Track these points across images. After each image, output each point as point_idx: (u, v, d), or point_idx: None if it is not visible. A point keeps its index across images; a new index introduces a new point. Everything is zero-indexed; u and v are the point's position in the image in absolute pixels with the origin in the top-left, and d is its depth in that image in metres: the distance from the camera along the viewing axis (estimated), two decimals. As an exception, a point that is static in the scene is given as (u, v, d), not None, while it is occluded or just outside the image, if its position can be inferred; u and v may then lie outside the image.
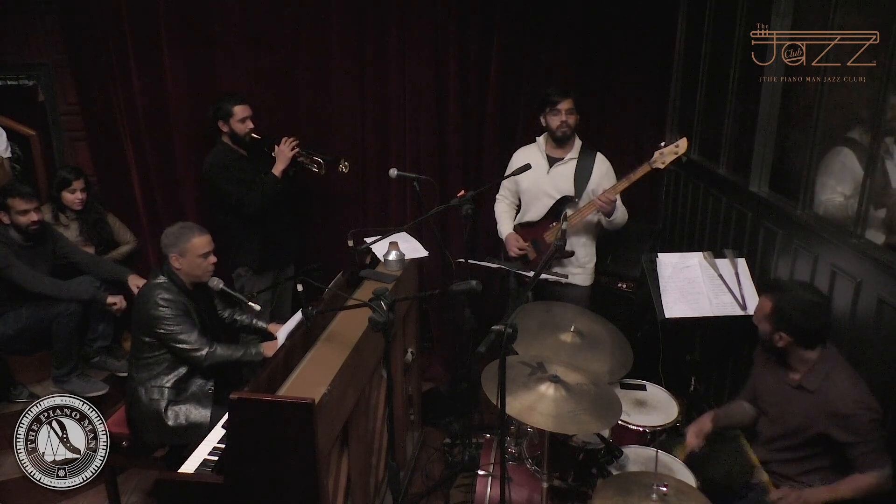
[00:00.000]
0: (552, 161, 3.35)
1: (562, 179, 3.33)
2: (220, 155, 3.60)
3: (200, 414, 2.74)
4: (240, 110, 3.55)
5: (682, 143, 3.05)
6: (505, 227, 3.51)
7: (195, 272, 2.79)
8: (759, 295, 2.40)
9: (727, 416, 2.60)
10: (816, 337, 2.25)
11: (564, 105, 3.24)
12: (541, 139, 3.43)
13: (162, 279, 2.76)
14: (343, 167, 3.61)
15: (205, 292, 2.92)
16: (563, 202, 3.33)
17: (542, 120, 3.35)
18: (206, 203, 3.99)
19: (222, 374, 2.90)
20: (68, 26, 3.91)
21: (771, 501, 2.24)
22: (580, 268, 3.42)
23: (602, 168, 3.34)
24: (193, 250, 2.75)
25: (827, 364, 2.22)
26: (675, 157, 3.06)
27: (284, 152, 3.55)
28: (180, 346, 2.70)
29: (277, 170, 3.55)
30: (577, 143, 3.37)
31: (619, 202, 3.19)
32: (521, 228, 3.48)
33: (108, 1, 3.79)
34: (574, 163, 3.34)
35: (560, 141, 3.32)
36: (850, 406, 2.11)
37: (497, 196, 3.59)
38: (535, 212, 3.42)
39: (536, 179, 3.34)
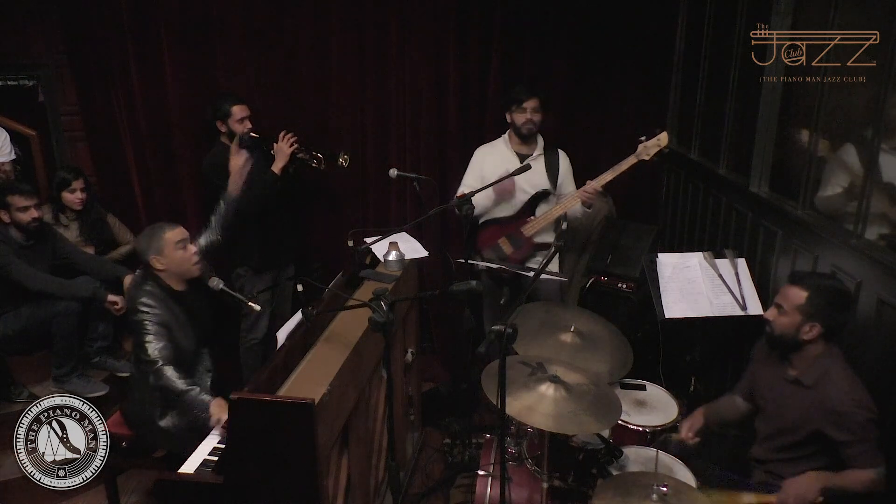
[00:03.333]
0: (522, 157, 3.38)
1: (535, 175, 3.37)
2: (218, 155, 3.59)
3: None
4: (238, 110, 3.54)
5: (663, 137, 3.11)
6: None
7: (180, 266, 2.72)
8: (768, 296, 2.36)
9: (717, 412, 2.60)
10: (842, 329, 2.24)
11: (530, 104, 3.31)
12: (506, 136, 3.48)
13: (147, 284, 2.70)
14: (343, 160, 3.57)
15: (197, 291, 2.85)
16: (540, 196, 3.37)
17: (508, 117, 3.40)
18: (206, 203, 3.98)
19: (219, 377, 2.88)
20: (68, 26, 3.91)
21: None
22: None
23: (566, 164, 3.45)
24: (169, 243, 2.68)
25: (826, 360, 2.21)
26: (657, 149, 3.12)
27: (283, 149, 3.54)
28: (141, 353, 2.62)
29: (277, 167, 3.54)
30: (541, 139, 3.45)
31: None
32: (494, 224, 3.48)
33: (108, 1, 3.79)
34: (542, 158, 3.41)
35: (525, 138, 3.39)
36: (847, 404, 2.10)
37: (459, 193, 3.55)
38: (508, 207, 3.44)
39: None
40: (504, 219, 3.45)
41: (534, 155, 3.40)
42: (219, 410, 2.51)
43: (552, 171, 3.39)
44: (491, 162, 3.43)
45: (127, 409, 2.79)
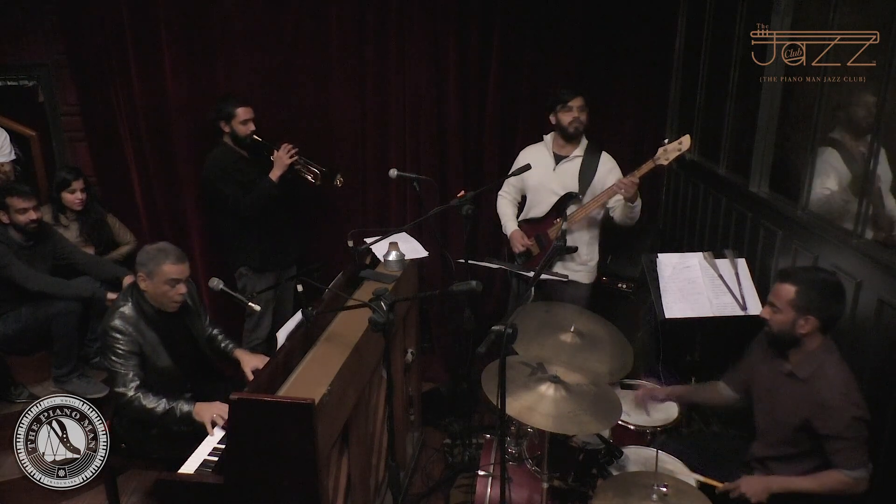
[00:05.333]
0: (558, 159, 3.38)
1: (567, 176, 3.36)
2: (220, 156, 3.60)
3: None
4: (242, 112, 3.55)
5: (686, 140, 3.06)
6: (509, 223, 3.53)
7: (159, 299, 2.64)
8: (767, 288, 2.39)
9: (695, 392, 2.73)
10: (838, 319, 2.24)
11: (576, 103, 3.28)
12: (548, 137, 3.45)
13: (126, 306, 2.63)
14: (338, 182, 3.64)
15: (179, 319, 2.78)
16: (567, 199, 3.35)
17: (553, 118, 3.37)
18: (207, 203, 3.99)
19: (199, 380, 2.85)
20: (68, 26, 3.91)
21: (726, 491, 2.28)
22: (582, 265, 3.43)
23: (607, 165, 3.37)
24: (162, 275, 2.60)
25: (822, 355, 2.22)
26: (678, 153, 3.07)
27: (283, 159, 3.56)
28: (111, 382, 2.60)
29: (274, 175, 3.56)
30: (584, 141, 3.41)
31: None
32: (526, 224, 3.50)
33: (108, 1, 3.79)
34: (579, 160, 3.37)
35: (571, 138, 3.35)
36: (836, 399, 2.11)
37: (500, 192, 3.61)
38: (539, 208, 3.44)
39: (542, 176, 3.37)
40: (535, 220, 3.46)
41: (570, 157, 3.37)
42: (205, 414, 2.52)
43: (587, 174, 3.33)
44: (528, 162, 3.41)
45: (117, 423, 2.74)
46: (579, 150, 3.38)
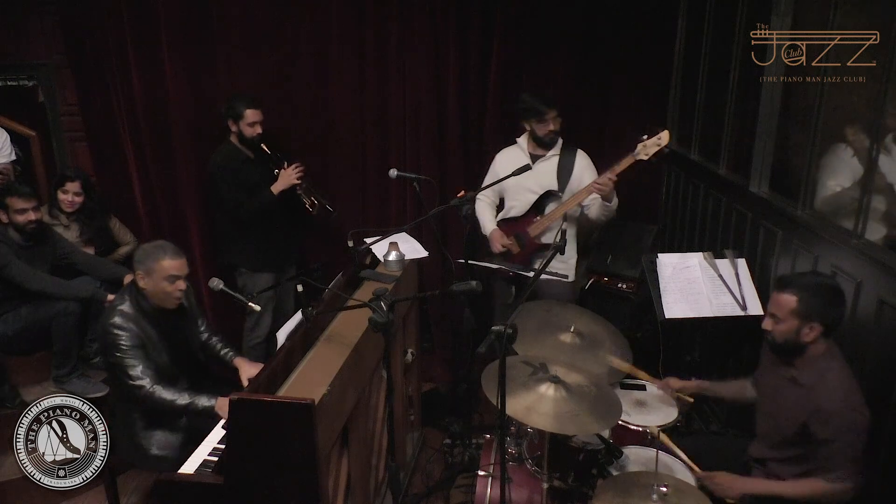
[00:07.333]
0: (535, 158, 3.39)
1: (545, 175, 3.37)
2: (226, 155, 3.61)
3: (174, 439, 2.66)
4: (251, 114, 3.56)
5: (664, 135, 3.05)
6: (488, 224, 3.55)
7: (159, 295, 2.62)
8: (769, 296, 2.38)
9: (722, 386, 2.70)
10: (840, 322, 2.23)
11: (551, 115, 3.31)
12: (522, 140, 3.49)
13: (124, 304, 2.62)
14: (334, 219, 3.80)
15: (177, 317, 2.77)
16: (547, 197, 3.37)
17: (527, 125, 3.40)
18: (206, 203, 3.99)
19: (194, 379, 2.83)
20: (68, 26, 3.91)
21: (699, 480, 2.30)
22: (562, 263, 3.43)
23: (583, 163, 3.40)
24: (161, 271, 2.57)
25: (826, 362, 2.20)
26: (657, 148, 3.06)
27: (290, 176, 3.61)
28: (124, 377, 2.56)
29: (276, 189, 3.60)
30: (560, 140, 3.44)
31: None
32: (504, 224, 3.51)
33: (108, 1, 3.79)
34: (556, 159, 3.40)
35: (547, 145, 3.40)
36: (836, 403, 2.09)
37: (478, 196, 3.60)
38: (518, 207, 3.46)
39: (520, 176, 3.35)
40: (513, 219, 3.47)
41: (547, 156, 3.39)
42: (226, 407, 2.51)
43: (564, 172, 3.37)
44: (505, 164, 3.44)
45: (115, 439, 2.70)
46: (555, 150, 3.41)
